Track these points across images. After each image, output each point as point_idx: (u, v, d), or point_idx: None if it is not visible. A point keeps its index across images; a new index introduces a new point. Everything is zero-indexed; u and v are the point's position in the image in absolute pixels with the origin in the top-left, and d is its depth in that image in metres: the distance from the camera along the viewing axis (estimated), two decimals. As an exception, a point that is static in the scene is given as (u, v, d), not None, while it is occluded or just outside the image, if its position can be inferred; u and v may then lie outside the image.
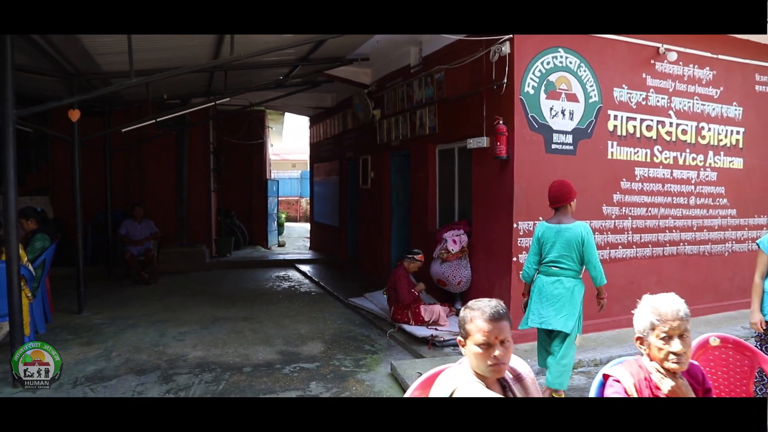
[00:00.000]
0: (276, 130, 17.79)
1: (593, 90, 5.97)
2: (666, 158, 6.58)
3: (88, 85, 7.31)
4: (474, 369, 1.91)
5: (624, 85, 6.21)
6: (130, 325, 6.43)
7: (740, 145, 7.20)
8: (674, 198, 6.69)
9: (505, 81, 5.57)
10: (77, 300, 7.03)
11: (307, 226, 15.35)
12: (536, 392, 2.03)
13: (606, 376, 2.18)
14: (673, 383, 2.05)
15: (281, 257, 12.10)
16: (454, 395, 1.81)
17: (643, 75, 6.34)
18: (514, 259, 5.63)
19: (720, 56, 6.86)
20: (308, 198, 15.22)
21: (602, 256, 6.09)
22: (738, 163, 7.22)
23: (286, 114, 15.60)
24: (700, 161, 6.87)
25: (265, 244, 13.95)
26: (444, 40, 6.58)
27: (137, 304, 7.54)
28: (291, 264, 11.31)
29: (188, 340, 5.85)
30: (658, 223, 6.57)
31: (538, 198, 5.69)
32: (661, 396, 2.07)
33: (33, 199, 10.19)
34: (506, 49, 5.50)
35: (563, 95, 5.79)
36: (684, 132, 6.70)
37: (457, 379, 1.88)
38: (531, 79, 5.59)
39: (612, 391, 2.09)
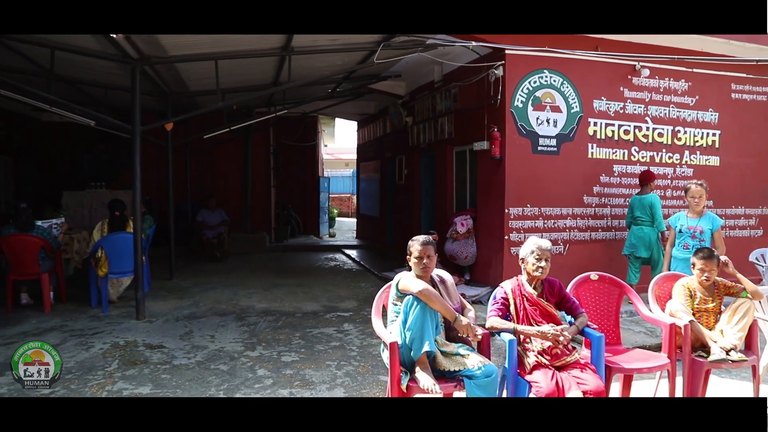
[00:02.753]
0: (328, 132, 19.65)
1: (575, 102, 7.38)
2: (643, 157, 7.89)
3: (178, 102, 9.26)
4: (414, 272, 3.50)
5: (603, 97, 7.57)
6: (209, 288, 8.33)
7: (717, 146, 8.38)
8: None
9: (499, 97, 7.08)
10: (169, 269, 9.01)
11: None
12: (454, 291, 3.59)
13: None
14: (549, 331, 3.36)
15: (330, 244, 13.94)
16: (400, 281, 3.41)
17: (621, 88, 7.69)
18: (506, 237, 7.12)
19: (695, 70, 8.08)
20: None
21: (584, 238, 7.55)
22: (715, 161, 8.40)
23: (337, 118, 17.40)
24: (676, 159, 8.12)
25: (317, 233, 15.83)
26: (458, 62, 8.08)
27: (213, 275, 9.47)
28: (338, 249, 13.11)
29: (254, 297, 7.67)
30: (635, 211, 7.88)
31: (526, 189, 7.20)
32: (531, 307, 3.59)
33: (126, 192, 12.32)
34: (499, 72, 7.02)
35: (548, 107, 7.24)
36: (660, 135, 7.98)
37: (402, 274, 3.49)
38: (520, 95, 7.07)
39: (497, 292, 3.64)
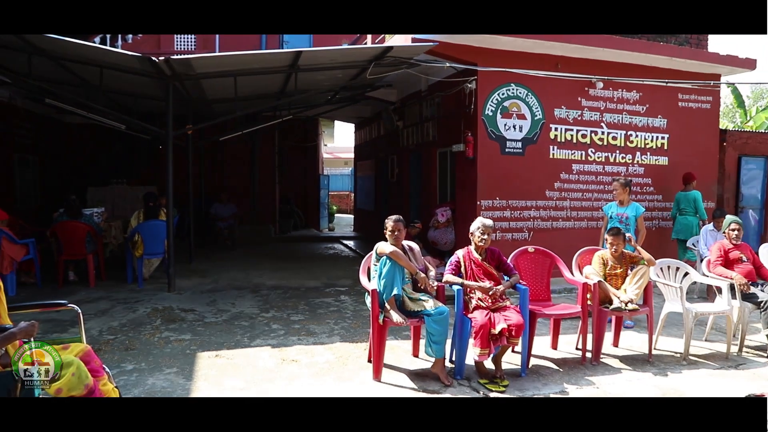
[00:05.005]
0: (328, 132, 20.95)
1: (538, 111, 8.66)
2: (599, 158, 9.15)
3: (197, 107, 10.54)
4: (389, 242, 4.78)
5: (563, 106, 8.84)
6: (225, 269, 9.63)
7: (665, 147, 9.65)
8: (606, 186, 9.22)
9: (473, 107, 8.37)
10: (189, 255, 10.30)
11: (355, 215, 18.48)
12: (419, 256, 4.87)
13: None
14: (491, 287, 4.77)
15: (329, 235, 15.26)
16: (378, 248, 4.69)
17: (579, 98, 8.95)
18: (478, 225, 8.39)
19: (645, 81, 9.35)
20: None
21: (546, 226, 8.82)
22: (663, 161, 9.66)
23: (336, 120, 18.67)
24: (629, 159, 9.39)
25: (317, 226, 17.14)
26: (439, 76, 9.33)
27: (227, 260, 10.77)
28: (337, 239, 14.43)
29: (265, 276, 8.97)
30: (592, 204, 9.14)
31: (495, 184, 8.47)
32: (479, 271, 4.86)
33: (146, 187, 13.59)
34: (473, 85, 8.30)
35: (515, 115, 8.51)
36: (614, 138, 9.25)
37: (380, 243, 4.77)
38: (490, 105, 8.35)
39: (452, 258, 4.92)
